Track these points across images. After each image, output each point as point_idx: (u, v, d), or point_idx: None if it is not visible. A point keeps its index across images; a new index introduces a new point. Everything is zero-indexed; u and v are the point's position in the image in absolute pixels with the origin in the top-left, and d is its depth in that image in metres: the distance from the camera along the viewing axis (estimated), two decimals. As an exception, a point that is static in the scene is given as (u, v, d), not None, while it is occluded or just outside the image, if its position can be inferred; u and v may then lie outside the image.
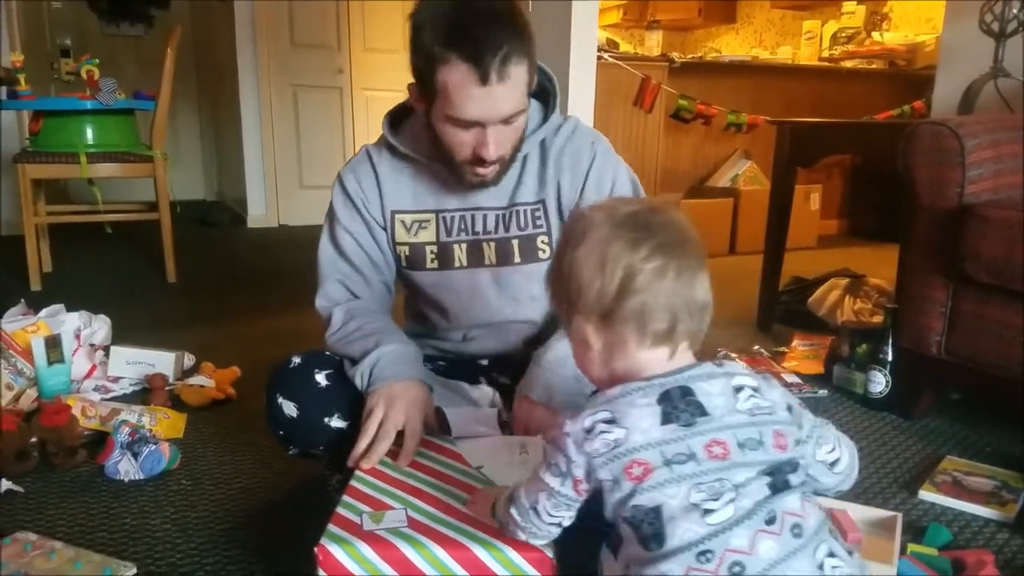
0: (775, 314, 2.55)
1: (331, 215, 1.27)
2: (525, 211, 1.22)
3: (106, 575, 1.11)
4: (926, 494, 1.43)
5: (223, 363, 1.98)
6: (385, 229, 1.26)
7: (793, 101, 4.08)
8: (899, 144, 1.68)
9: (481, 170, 1.12)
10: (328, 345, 1.22)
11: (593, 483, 0.72)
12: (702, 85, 3.95)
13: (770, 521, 0.68)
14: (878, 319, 2.34)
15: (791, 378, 1.99)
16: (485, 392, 1.30)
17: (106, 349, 1.98)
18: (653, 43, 4.48)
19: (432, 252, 1.25)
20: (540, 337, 1.28)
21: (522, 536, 0.80)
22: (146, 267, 3.34)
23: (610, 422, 0.70)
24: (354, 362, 1.15)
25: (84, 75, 2.91)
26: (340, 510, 0.90)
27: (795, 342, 2.24)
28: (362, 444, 1.03)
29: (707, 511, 0.67)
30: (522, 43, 1.02)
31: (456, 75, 1.01)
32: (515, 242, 1.23)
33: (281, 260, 3.77)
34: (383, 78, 4.95)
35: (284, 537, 1.24)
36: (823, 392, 1.95)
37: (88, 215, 3.19)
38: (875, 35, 4.65)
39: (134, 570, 1.13)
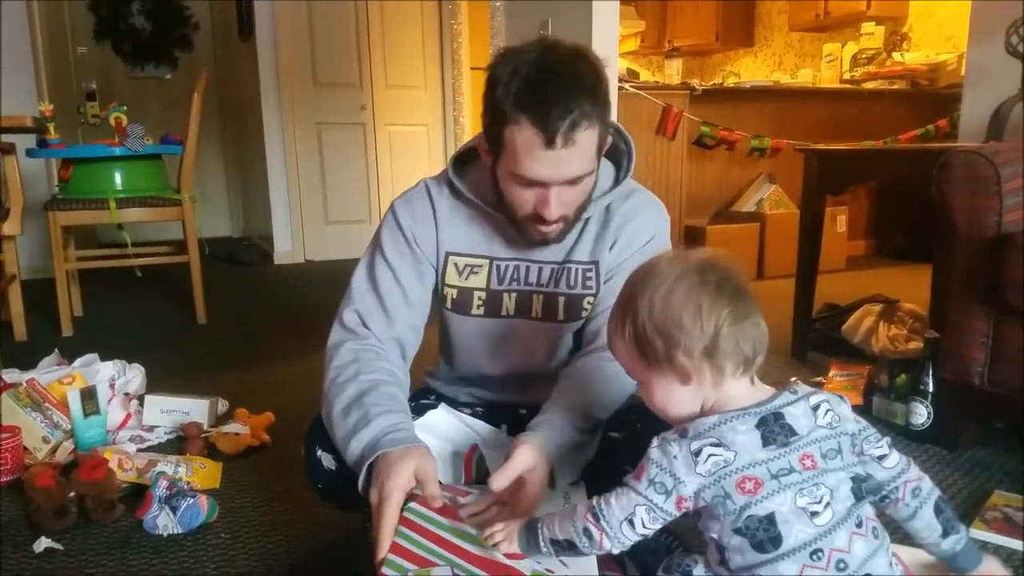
0: (810, 343, 2.52)
1: (376, 244, 1.24)
2: (578, 270, 1.21)
3: (149, 637, 1.10)
4: (977, 532, 1.39)
5: (256, 407, 1.98)
6: (436, 269, 1.24)
7: (816, 124, 4.07)
8: (932, 172, 1.66)
9: (543, 228, 1.11)
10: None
11: (698, 501, 0.81)
12: (724, 111, 3.95)
13: (859, 524, 0.81)
14: (914, 345, 2.30)
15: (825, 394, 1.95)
16: (500, 439, 1.27)
17: (140, 398, 1.99)
18: (673, 71, 4.51)
19: (480, 299, 1.24)
20: None
21: (606, 544, 0.84)
22: (176, 309, 3.37)
23: (717, 445, 0.80)
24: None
25: (113, 122, 2.97)
26: (385, 569, 0.88)
27: (832, 372, 2.20)
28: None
29: (813, 513, 0.79)
30: (594, 107, 1.01)
31: (523, 136, 1.01)
32: (562, 299, 1.22)
33: (309, 298, 3.79)
34: (405, 114, 5.04)
35: (325, 593, 1.23)
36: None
37: (118, 259, 3.23)
38: (896, 55, 4.62)
39: (176, 631, 1.12)
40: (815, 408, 0.85)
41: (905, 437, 1.83)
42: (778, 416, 0.83)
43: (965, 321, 1.66)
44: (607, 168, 1.22)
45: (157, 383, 2.17)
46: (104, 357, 2.15)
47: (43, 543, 1.36)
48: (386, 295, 1.20)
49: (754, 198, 4.12)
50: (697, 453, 0.80)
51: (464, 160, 1.24)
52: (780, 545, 0.78)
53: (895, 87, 4.47)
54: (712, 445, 0.80)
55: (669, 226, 1.27)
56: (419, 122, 5.12)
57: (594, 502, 0.85)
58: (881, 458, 0.89)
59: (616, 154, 1.24)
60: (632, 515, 0.82)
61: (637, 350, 0.86)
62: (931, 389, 1.78)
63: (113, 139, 2.98)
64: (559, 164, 1.02)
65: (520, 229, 1.14)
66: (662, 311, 0.83)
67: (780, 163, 4.11)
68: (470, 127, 4.95)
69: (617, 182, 1.21)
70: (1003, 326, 1.60)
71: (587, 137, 1.02)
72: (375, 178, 4.99)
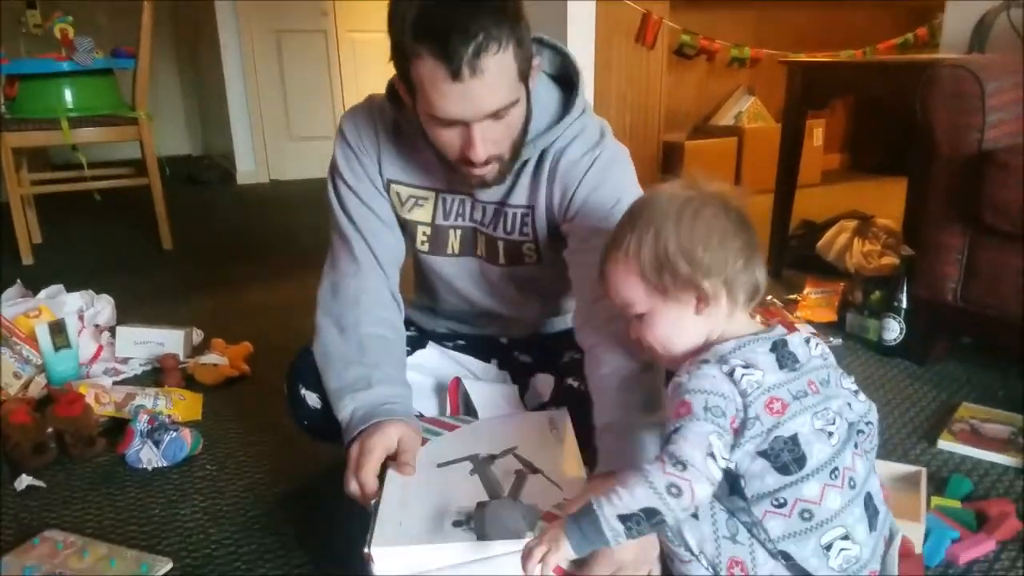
0: (785, 260, 2.53)
1: (333, 167, 1.16)
2: (515, 214, 1.12)
3: (142, 572, 1.10)
4: (945, 443, 1.44)
5: (231, 336, 1.95)
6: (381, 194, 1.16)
7: (796, 32, 3.98)
8: (917, 87, 1.63)
9: (476, 171, 1.00)
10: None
11: (739, 424, 0.79)
12: (704, 18, 3.83)
13: (856, 446, 0.85)
14: (887, 261, 2.33)
15: (804, 328, 1.98)
16: (491, 373, 1.28)
17: (111, 330, 1.94)
18: (651, -27, 4.33)
19: (424, 234, 1.18)
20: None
21: (698, 494, 0.74)
22: (138, 233, 3.26)
23: (746, 367, 0.80)
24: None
25: (58, 34, 2.79)
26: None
27: (807, 289, 2.22)
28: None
29: (829, 434, 0.81)
30: (502, 28, 0.88)
31: (427, 71, 0.89)
32: (500, 244, 1.15)
33: (276, 221, 3.70)
34: (371, 19, 4.73)
35: (317, 522, 1.23)
36: (836, 340, 1.95)
37: (75, 183, 3.10)
38: (877, -42, 4.49)
39: (170, 565, 1.12)
40: (807, 341, 0.87)
41: (877, 352, 1.88)
42: (784, 343, 0.84)
43: (941, 238, 1.68)
44: (552, 104, 1.09)
45: (126, 313, 2.11)
46: (70, 287, 2.09)
47: (24, 480, 1.35)
48: (358, 219, 1.15)
49: (732, 111, 4.06)
50: (731, 374, 0.79)
51: None
52: (804, 466, 0.78)
53: (876, -8, 4.37)
54: (742, 366, 0.79)
55: (618, 144, 1.12)
56: (386, 29, 4.88)
57: (665, 455, 0.75)
58: (856, 393, 0.92)
59: (567, 84, 1.11)
60: (711, 447, 0.75)
61: (652, 275, 0.83)
62: (904, 306, 1.82)
63: (60, 53, 2.79)
64: (471, 98, 0.90)
65: (459, 173, 1.04)
66: (689, 234, 0.82)
67: (759, 74, 4.02)
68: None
69: (563, 118, 1.07)
70: (979, 244, 1.62)
71: (499, 63, 0.89)
72: (339, 91, 4.77)
